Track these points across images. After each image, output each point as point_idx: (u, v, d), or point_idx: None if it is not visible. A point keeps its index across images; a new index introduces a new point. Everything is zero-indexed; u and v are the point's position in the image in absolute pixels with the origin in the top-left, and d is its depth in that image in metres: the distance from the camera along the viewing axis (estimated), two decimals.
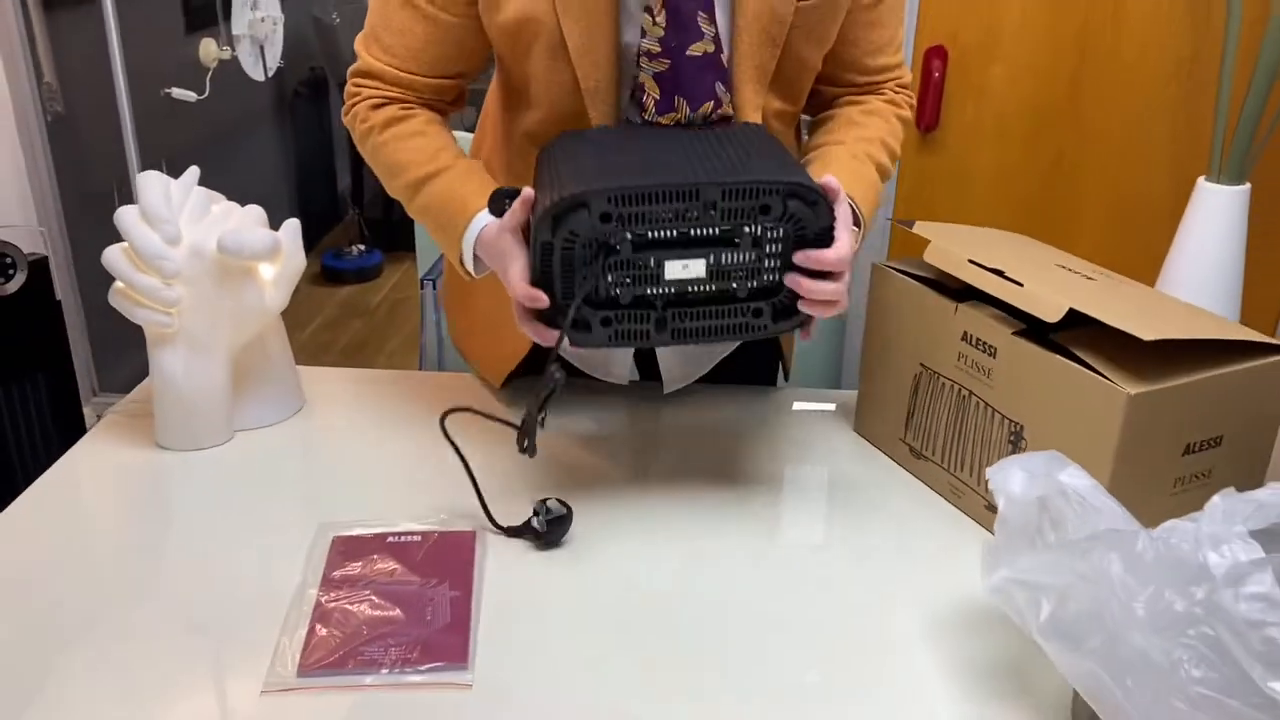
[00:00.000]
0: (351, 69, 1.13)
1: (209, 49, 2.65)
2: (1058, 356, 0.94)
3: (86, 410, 2.40)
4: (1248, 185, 1.70)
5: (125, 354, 2.58)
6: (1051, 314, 0.94)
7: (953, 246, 1.07)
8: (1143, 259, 1.92)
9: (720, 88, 1.03)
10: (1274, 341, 0.96)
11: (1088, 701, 0.74)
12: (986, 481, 1.04)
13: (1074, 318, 0.94)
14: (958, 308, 1.04)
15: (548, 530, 1.01)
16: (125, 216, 1.08)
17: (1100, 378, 0.91)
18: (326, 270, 3.54)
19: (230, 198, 1.18)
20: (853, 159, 1.10)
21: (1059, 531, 0.84)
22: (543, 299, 0.93)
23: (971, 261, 1.03)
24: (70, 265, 2.35)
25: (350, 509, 1.06)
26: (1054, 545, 0.81)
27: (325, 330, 3.19)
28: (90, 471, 1.12)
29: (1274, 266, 1.94)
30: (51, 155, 2.25)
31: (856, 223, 1.05)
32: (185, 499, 1.07)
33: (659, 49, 1.00)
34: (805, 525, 1.05)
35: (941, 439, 1.09)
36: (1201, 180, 1.73)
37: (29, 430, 1.94)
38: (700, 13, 1.00)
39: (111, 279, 1.10)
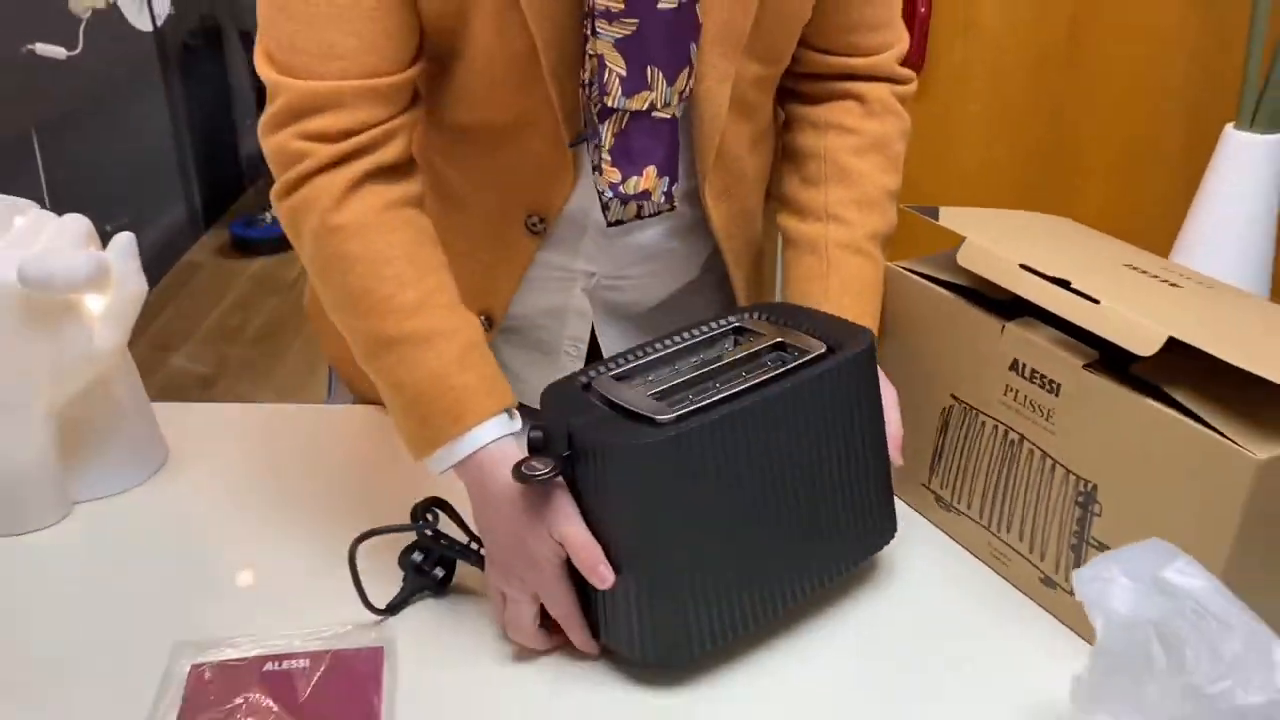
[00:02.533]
0: (275, 116, 0.75)
1: None
2: (1151, 402, 0.71)
3: None
4: None
5: None
6: (1145, 344, 0.71)
7: (994, 244, 0.82)
8: (1153, 217, 1.72)
9: (694, 49, 0.77)
10: None
11: None
12: (1043, 550, 0.81)
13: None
14: (1005, 327, 0.80)
15: (434, 572, 0.81)
16: None
17: (1216, 436, 0.67)
18: (236, 240, 3.20)
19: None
20: (857, 256, 0.87)
21: (1173, 655, 0.61)
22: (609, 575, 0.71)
23: (1024, 267, 0.79)
24: None
25: (218, 616, 0.80)
26: (1183, 690, 0.59)
27: (236, 311, 2.88)
28: None
29: None
30: None
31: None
32: (1, 603, 0.81)
33: (621, 6, 0.73)
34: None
35: (981, 491, 0.85)
36: (1229, 128, 1.50)
37: None
38: None
39: None
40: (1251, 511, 0.67)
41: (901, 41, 0.91)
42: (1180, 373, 0.72)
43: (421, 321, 0.74)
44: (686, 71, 0.78)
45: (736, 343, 0.81)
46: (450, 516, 0.82)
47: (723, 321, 0.82)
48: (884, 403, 0.80)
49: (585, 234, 0.89)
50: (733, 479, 0.71)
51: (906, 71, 0.93)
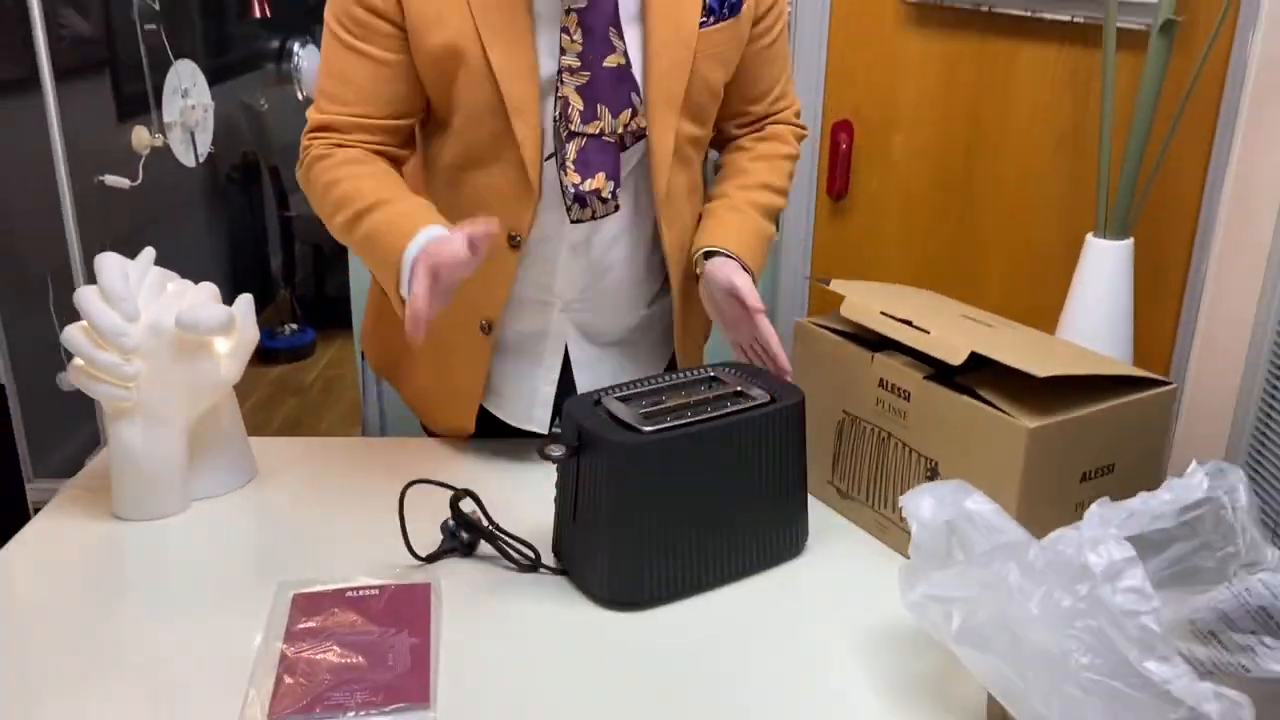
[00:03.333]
0: (305, 130, 1.19)
1: (141, 136, 2.70)
2: (964, 397, 1.04)
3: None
4: (1131, 240, 1.85)
5: (58, 440, 2.57)
6: (956, 357, 1.04)
7: (866, 301, 1.17)
8: (1042, 309, 2.06)
9: (635, 98, 1.15)
10: (1155, 376, 1.07)
11: (997, 698, 0.82)
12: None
13: (979, 362, 1.04)
14: (874, 357, 1.14)
15: (466, 538, 1.11)
16: (85, 296, 1.12)
17: (1003, 414, 1.00)
18: (259, 350, 3.54)
19: None
20: (733, 212, 1.25)
21: (967, 551, 0.92)
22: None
23: (883, 313, 1.13)
24: (5, 352, 2.35)
25: (308, 569, 1.10)
26: (961, 562, 0.90)
27: (259, 410, 3.19)
28: (49, 544, 1.14)
29: (1161, 314, 2.09)
30: None
31: (746, 268, 1.21)
32: (145, 567, 1.11)
33: (579, 64, 1.12)
34: None
35: (865, 479, 1.17)
36: (1090, 236, 1.87)
37: None
38: (610, 28, 1.13)
39: (50, 361, 1.13)
40: (1029, 464, 0.99)
41: (795, 104, 1.34)
42: (988, 381, 1.05)
43: (382, 195, 1.11)
44: (629, 112, 1.15)
45: (709, 386, 1.12)
46: (477, 504, 1.13)
47: (701, 371, 1.14)
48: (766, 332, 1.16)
49: (559, 254, 1.24)
50: (688, 480, 1.02)
51: (802, 124, 1.34)
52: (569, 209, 1.16)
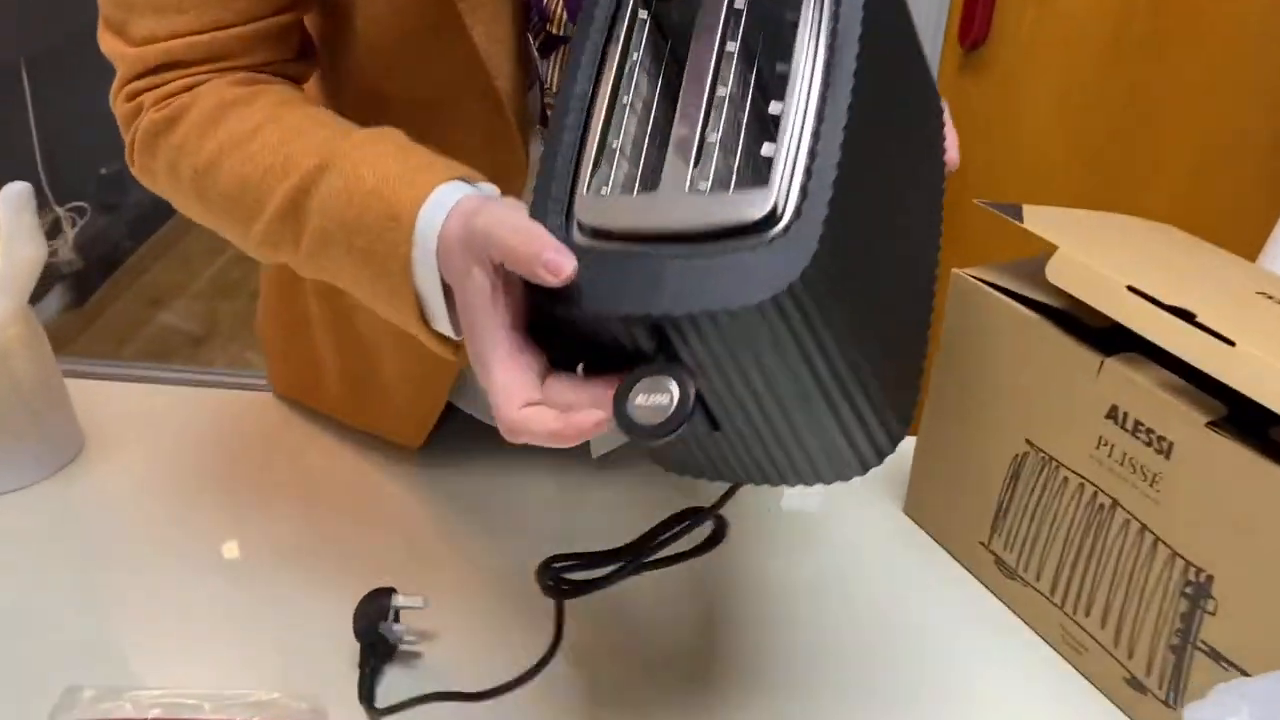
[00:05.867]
0: (118, 81, 0.63)
1: None
2: None
3: None
4: None
5: None
6: None
7: (1093, 258, 0.66)
8: (1233, 221, 1.54)
9: None
10: None
11: None
12: (1132, 645, 0.65)
13: None
14: (1104, 364, 0.64)
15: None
16: None
17: None
18: None
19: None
20: None
21: None
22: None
23: (1131, 288, 0.63)
24: None
25: (123, 656, 0.66)
26: None
27: (236, 265, 2.68)
28: None
29: None
30: None
31: None
32: None
33: None
34: (835, 672, 0.66)
35: (1056, 563, 0.70)
36: None
37: None
38: None
39: None
40: None
41: None
42: None
43: (316, 160, 0.55)
44: None
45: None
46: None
47: None
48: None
49: None
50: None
51: None
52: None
